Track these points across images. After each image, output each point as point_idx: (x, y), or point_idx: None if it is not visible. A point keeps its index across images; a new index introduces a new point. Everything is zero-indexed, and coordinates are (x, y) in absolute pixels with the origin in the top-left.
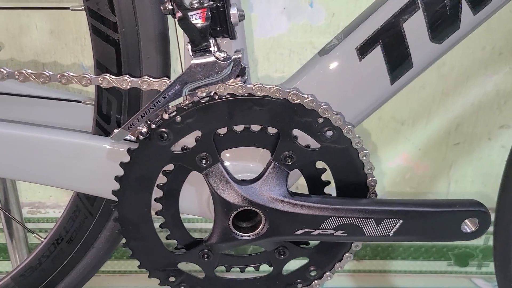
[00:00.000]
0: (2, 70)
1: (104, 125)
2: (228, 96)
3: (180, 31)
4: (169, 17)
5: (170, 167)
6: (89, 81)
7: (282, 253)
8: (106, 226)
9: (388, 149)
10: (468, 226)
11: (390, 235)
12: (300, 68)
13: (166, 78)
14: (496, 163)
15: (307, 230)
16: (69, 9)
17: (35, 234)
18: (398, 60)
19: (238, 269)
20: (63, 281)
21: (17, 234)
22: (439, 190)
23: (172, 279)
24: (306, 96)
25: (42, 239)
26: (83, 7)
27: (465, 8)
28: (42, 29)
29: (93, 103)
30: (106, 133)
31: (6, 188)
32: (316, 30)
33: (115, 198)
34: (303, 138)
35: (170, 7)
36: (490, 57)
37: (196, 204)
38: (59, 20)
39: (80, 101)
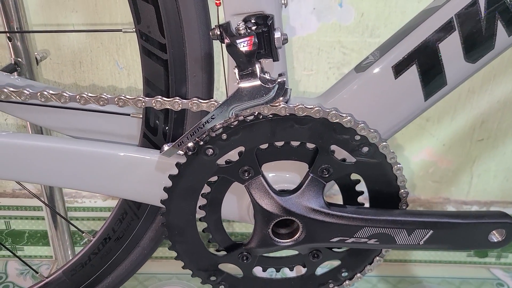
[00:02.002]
0: (64, 94)
1: (151, 137)
2: (271, 115)
3: (226, 53)
4: None
5: (214, 178)
6: (143, 103)
7: (316, 256)
8: (150, 227)
9: (413, 144)
10: (495, 236)
11: (421, 243)
12: (336, 83)
13: (214, 100)
14: None
15: (342, 238)
16: (121, 31)
17: (84, 233)
18: (433, 78)
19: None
20: (110, 276)
21: (61, 227)
22: (461, 184)
23: (213, 278)
24: (344, 115)
25: (92, 238)
26: (134, 30)
27: (501, 29)
28: (79, 28)
29: (141, 116)
30: (153, 144)
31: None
32: (345, 29)
33: (160, 204)
34: (339, 151)
35: (218, 33)
36: None
37: (236, 211)
38: (95, 20)
39: (128, 114)
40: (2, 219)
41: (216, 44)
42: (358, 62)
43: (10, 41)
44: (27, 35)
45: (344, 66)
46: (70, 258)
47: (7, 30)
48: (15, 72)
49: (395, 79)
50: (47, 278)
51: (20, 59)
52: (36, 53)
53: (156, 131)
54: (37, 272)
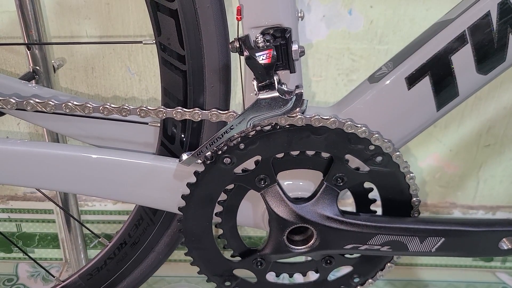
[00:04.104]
0: (88, 105)
1: (168, 145)
2: (288, 126)
3: (243, 64)
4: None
5: (230, 186)
6: (164, 114)
7: (328, 262)
8: (166, 233)
9: (420, 149)
10: (506, 243)
11: (432, 251)
12: (349, 93)
13: (232, 111)
14: None
15: (355, 245)
16: (141, 43)
17: (101, 238)
18: (445, 90)
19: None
20: (125, 280)
21: (75, 230)
22: (468, 189)
23: (227, 283)
24: (359, 126)
25: (108, 243)
26: (154, 42)
27: None
28: (92, 35)
29: (159, 125)
30: (170, 152)
31: None
32: (354, 36)
33: (177, 211)
34: (353, 160)
35: (238, 45)
36: None
37: (252, 218)
38: (107, 27)
39: (147, 123)
40: (13, 222)
41: (233, 54)
42: (367, 68)
43: (29, 50)
44: None
45: (353, 73)
46: (83, 261)
47: (26, 40)
48: (33, 80)
49: (408, 90)
50: (63, 281)
51: (38, 67)
52: (53, 61)
53: (173, 140)
54: (53, 276)
